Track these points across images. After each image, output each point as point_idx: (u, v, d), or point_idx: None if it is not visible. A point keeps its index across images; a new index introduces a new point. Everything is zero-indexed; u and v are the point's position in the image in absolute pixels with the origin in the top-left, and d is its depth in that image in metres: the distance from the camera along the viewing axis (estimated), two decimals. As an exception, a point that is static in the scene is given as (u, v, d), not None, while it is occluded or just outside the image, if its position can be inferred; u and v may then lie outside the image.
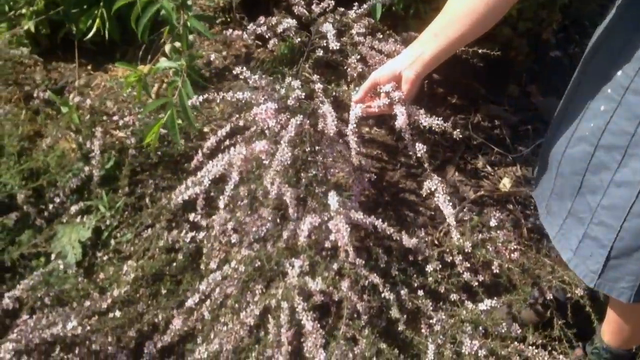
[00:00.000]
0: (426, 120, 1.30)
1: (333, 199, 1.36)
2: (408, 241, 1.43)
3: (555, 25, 1.97)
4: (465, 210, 1.88)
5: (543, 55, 2.32)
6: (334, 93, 1.53)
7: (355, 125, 1.30)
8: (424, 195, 1.90)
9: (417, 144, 1.33)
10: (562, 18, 2.14)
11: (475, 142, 2.04)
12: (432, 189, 1.33)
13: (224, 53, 2.39)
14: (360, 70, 1.50)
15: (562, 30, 2.34)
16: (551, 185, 1.28)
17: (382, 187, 1.91)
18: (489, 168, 1.99)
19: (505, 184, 1.93)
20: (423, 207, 1.89)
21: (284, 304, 1.36)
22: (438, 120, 1.31)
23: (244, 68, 1.39)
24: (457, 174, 1.98)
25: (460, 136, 1.35)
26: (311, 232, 1.41)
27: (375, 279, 1.41)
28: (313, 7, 1.56)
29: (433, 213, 1.88)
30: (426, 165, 1.33)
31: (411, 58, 1.18)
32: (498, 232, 1.52)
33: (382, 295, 1.40)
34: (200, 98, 1.40)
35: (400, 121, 1.27)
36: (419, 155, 1.34)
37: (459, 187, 1.93)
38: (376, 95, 1.33)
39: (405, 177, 1.96)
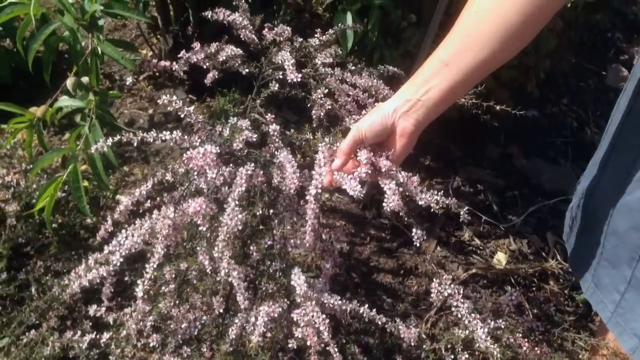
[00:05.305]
0: (424, 197, 0.94)
1: (299, 279, 0.96)
2: (407, 333, 1.01)
3: (543, 74, 1.70)
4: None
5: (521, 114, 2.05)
6: (294, 140, 1.16)
7: (315, 200, 0.93)
8: (402, 275, 1.56)
9: (415, 229, 0.96)
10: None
11: (457, 210, 1.69)
12: (445, 294, 0.97)
13: (150, 111, 2.00)
14: (329, 107, 1.14)
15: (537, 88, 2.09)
16: (598, 249, 1.00)
17: (350, 265, 1.52)
18: (477, 241, 1.64)
19: (500, 259, 1.57)
20: (402, 291, 1.50)
21: None
22: (438, 195, 0.95)
23: (172, 95, 1.00)
24: (439, 248, 1.61)
25: (469, 217, 1.00)
26: (268, 327, 0.98)
27: (361, 395, 0.98)
28: (265, 32, 1.21)
29: (415, 298, 1.49)
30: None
31: (409, 102, 0.86)
32: (517, 318, 1.14)
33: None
34: (109, 141, 0.98)
35: (392, 202, 0.90)
36: (416, 244, 0.97)
37: (445, 265, 1.56)
38: (355, 158, 0.97)
39: (377, 253, 1.57)
